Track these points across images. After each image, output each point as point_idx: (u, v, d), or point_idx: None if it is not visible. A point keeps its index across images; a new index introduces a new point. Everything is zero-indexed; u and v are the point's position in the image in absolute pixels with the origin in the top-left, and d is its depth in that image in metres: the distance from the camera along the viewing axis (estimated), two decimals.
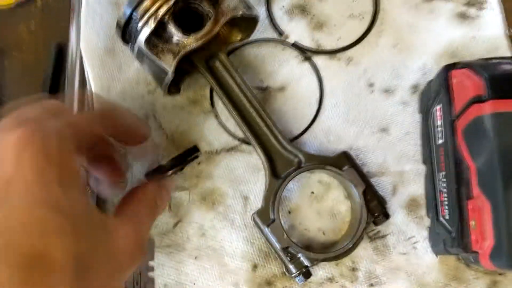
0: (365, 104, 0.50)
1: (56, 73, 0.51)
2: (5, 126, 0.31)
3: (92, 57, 0.48)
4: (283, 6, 0.52)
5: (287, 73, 0.51)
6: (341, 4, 0.52)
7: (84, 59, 0.48)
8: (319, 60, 0.51)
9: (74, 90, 0.48)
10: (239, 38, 0.49)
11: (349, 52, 0.51)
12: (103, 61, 0.48)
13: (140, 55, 0.43)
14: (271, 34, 0.52)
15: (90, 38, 0.48)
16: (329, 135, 0.49)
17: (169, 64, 0.41)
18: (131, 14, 0.41)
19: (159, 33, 0.41)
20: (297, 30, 0.52)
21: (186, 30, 0.42)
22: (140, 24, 0.41)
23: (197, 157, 0.44)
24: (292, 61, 0.51)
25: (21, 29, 0.53)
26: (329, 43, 0.51)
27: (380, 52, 0.51)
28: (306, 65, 0.51)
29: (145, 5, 0.41)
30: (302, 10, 0.52)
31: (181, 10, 0.42)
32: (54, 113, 0.33)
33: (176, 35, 0.41)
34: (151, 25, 0.40)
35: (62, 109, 0.36)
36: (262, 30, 0.52)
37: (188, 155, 0.43)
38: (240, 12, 0.42)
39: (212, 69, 0.46)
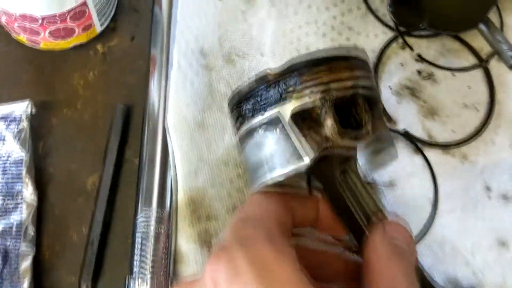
0: (482, 211, 0.43)
1: (122, 143, 0.41)
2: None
3: (181, 133, 0.38)
4: (390, 87, 0.46)
5: (396, 167, 0.44)
6: (455, 91, 0.46)
7: (172, 135, 0.38)
8: (431, 153, 0.44)
9: (154, 173, 0.38)
10: None
11: (464, 148, 0.45)
12: (192, 137, 0.39)
13: (263, 126, 0.32)
14: None
15: (179, 110, 0.39)
16: (444, 246, 0.42)
17: (309, 151, 0.31)
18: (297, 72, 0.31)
19: (307, 114, 0.32)
20: (407, 116, 0.45)
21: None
22: (294, 89, 0.31)
23: None
24: (402, 153, 0.44)
25: (76, 81, 0.43)
26: (442, 135, 0.45)
27: (497, 151, 0.45)
28: (418, 158, 0.44)
29: (319, 76, 0.31)
30: (412, 93, 0.46)
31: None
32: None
33: (328, 126, 0.32)
34: (315, 100, 0.31)
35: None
36: None
37: None
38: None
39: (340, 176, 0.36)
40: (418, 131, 0.45)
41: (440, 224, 0.43)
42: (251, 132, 0.34)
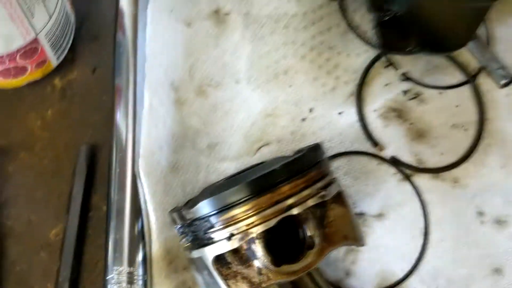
0: (475, 238, 0.41)
1: (88, 188, 0.37)
2: None
3: (155, 178, 0.35)
4: (375, 110, 0.43)
5: (385, 196, 0.41)
6: (443, 111, 0.44)
7: (144, 182, 0.35)
8: (420, 179, 0.42)
9: (124, 225, 0.34)
10: None
11: (454, 172, 0.43)
12: (166, 182, 0.36)
13: (195, 263, 0.31)
14: (363, 142, 0.42)
15: (152, 153, 0.35)
16: (437, 279, 0.40)
17: None
18: (208, 215, 0.29)
19: (236, 250, 0.30)
20: (394, 140, 0.42)
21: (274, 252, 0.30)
22: (216, 232, 0.29)
23: None
24: (390, 181, 0.42)
25: (32, 121, 0.39)
26: (431, 159, 0.43)
27: (489, 174, 0.43)
28: (407, 186, 0.42)
29: (234, 214, 0.29)
30: (398, 115, 0.43)
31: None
32: None
33: (261, 260, 0.29)
34: (234, 243, 0.29)
35: None
36: (353, 137, 0.42)
37: None
38: (351, 243, 0.32)
39: (296, 284, 0.33)
40: (406, 156, 0.42)
41: (432, 255, 0.41)
42: (188, 261, 0.33)
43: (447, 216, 0.42)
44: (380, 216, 0.41)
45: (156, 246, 0.35)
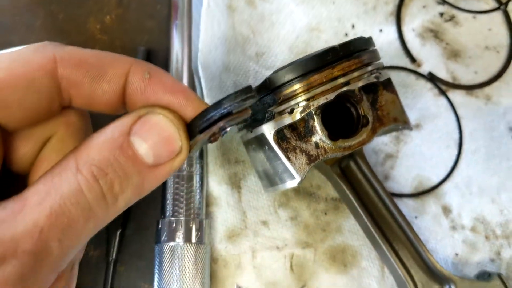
0: (507, 151, 0.43)
1: None
2: None
3: (211, 74, 0.37)
4: (414, 29, 0.45)
5: (422, 108, 0.43)
6: (476, 33, 0.46)
7: (201, 76, 0.37)
8: (455, 95, 0.44)
9: None
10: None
11: (487, 89, 0.45)
12: (221, 81, 0.38)
13: (254, 143, 0.33)
14: (402, 58, 0.44)
15: (209, 51, 0.37)
16: (470, 186, 0.42)
17: (299, 169, 0.31)
18: (269, 91, 0.31)
19: (294, 125, 0.32)
20: (431, 58, 0.44)
21: (329, 129, 0.32)
22: (277, 107, 0.31)
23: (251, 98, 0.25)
24: (427, 95, 0.44)
25: (92, 26, 0.41)
26: (465, 76, 0.45)
27: None
28: (442, 100, 0.44)
29: (294, 89, 0.31)
30: (435, 35, 0.45)
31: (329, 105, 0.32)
32: None
33: (318, 135, 0.31)
34: (295, 116, 0.31)
35: None
36: (392, 54, 0.44)
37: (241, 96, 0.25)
38: (400, 126, 0.34)
39: (344, 171, 0.36)
40: (442, 73, 0.45)
41: (466, 164, 0.43)
42: (246, 144, 0.35)
43: (480, 130, 0.44)
44: (417, 126, 0.43)
45: None
